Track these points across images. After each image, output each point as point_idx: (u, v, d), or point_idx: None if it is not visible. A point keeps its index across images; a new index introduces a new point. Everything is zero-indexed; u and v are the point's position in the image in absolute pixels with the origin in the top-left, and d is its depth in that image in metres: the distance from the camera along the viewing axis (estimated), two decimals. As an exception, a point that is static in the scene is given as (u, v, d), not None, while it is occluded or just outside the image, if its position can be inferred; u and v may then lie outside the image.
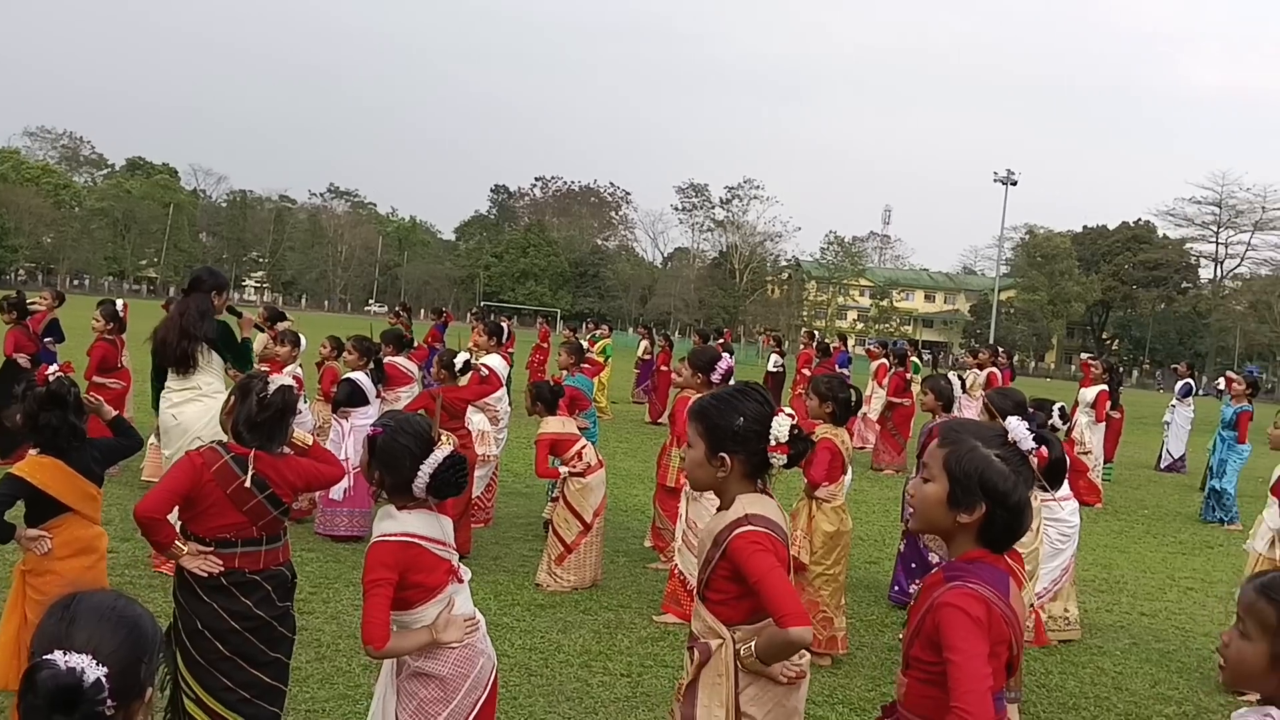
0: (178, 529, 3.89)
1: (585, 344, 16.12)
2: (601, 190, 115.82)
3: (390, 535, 3.36)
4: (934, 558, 7.32)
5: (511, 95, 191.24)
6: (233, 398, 4.04)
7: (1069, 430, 12.30)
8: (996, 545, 2.55)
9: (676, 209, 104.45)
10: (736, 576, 2.96)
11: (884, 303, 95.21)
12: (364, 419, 8.47)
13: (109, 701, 1.66)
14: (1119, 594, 8.88)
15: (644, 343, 22.56)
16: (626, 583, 7.78)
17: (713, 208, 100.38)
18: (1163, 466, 18.47)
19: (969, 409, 13.82)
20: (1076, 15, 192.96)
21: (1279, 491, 6.57)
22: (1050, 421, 6.58)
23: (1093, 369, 14.75)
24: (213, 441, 4.03)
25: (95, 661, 1.67)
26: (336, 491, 7.90)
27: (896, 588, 7.81)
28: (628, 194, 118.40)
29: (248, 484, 3.81)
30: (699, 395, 5.48)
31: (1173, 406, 18.41)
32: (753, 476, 3.09)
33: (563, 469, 7.52)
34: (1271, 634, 2.15)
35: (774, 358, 21.07)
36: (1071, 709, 6.01)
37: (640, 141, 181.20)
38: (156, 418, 7.25)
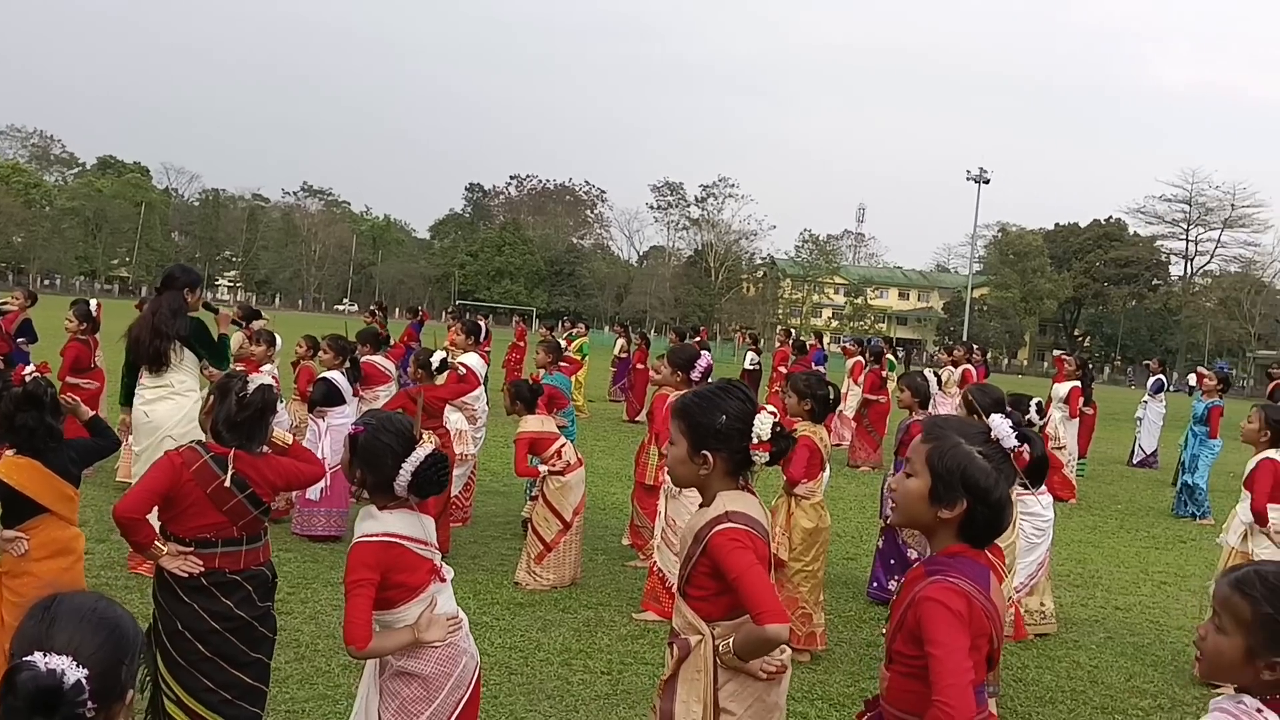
0: (157, 529, 3.87)
1: (563, 343, 16.10)
2: (577, 189, 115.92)
3: (372, 536, 3.35)
4: (913, 554, 7.37)
5: (486, 94, 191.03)
6: (212, 397, 4.02)
7: (1043, 426, 12.39)
8: (977, 541, 2.57)
9: (652, 207, 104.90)
10: (716, 573, 2.97)
11: (858, 300, 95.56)
12: (340, 418, 8.45)
13: (89, 703, 1.66)
14: (1094, 588, 8.96)
15: (620, 341, 22.58)
16: (606, 581, 7.79)
17: (688, 206, 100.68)
18: (1135, 462, 18.64)
19: (944, 405, 13.89)
20: (1047, 14, 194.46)
21: (1251, 485, 6.63)
22: (1028, 417, 6.62)
23: (1066, 365, 14.87)
24: (192, 441, 4.01)
25: (76, 663, 1.66)
26: (314, 491, 7.87)
27: (875, 584, 7.85)
28: (603, 192, 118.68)
29: (227, 483, 3.79)
30: (681, 393, 5.50)
31: (1145, 402, 18.58)
32: (735, 474, 3.10)
33: (542, 468, 7.51)
34: (1247, 628, 2.18)
35: (750, 355, 21.14)
36: (1048, 702, 6.06)
37: (615, 140, 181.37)
38: (124, 414, 7.20)
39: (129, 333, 7.16)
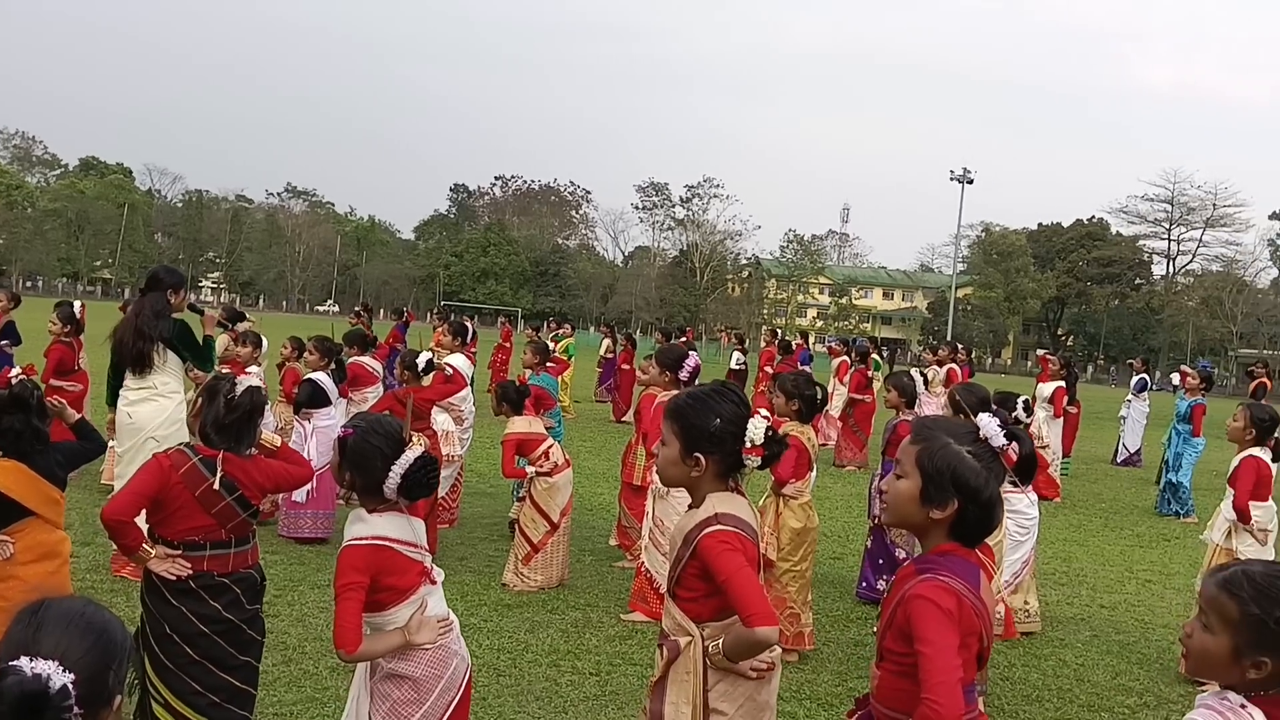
0: (145, 532, 3.85)
1: (550, 343, 16.09)
2: (562, 189, 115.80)
3: (361, 539, 3.34)
4: (901, 554, 7.39)
5: (471, 94, 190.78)
6: (200, 399, 4.00)
7: (1027, 425, 12.44)
8: (968, 540, 2.59)
9: (637, 208, 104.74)
10: (706, 575, 2.97)
11: (843, 300, 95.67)
12: (326, 420, 8.43)
13: (76, 709, 1.63)
14: (1079, 587, 9.00)
15: (606, 341, 22.57)
16: (593, 582, 7.78)
17: (673, 206, 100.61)
18: (1119, 461, 18.73)
19: (930, 405, 13.92)
20: (1029, 15, 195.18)
21: (1234, 483, 6.67)
22: (1014, 415, 6.65)
23: (1050, 364, 14.93)
24: (181, 443, 3.99)
25: (62, 668, 1.64)
26: (300, 493, 7.84)
27: (864, 584, 7.86)
28: (588, 193, 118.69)
29: (216, 486, 3.78)
30: (670, 393, 5.51)
31: (1128, 401, 18.66)
32: (725, 476, 3.10)
33: (530, 469, 7.51)
34: (1234, 628, 2.19)
35: (736, 355, 21.15)
36: (1035, 700, 6.09)
37: (600, 141, 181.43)
38: (110, 415, 7.17)
39: (113, 335, 7.13)
